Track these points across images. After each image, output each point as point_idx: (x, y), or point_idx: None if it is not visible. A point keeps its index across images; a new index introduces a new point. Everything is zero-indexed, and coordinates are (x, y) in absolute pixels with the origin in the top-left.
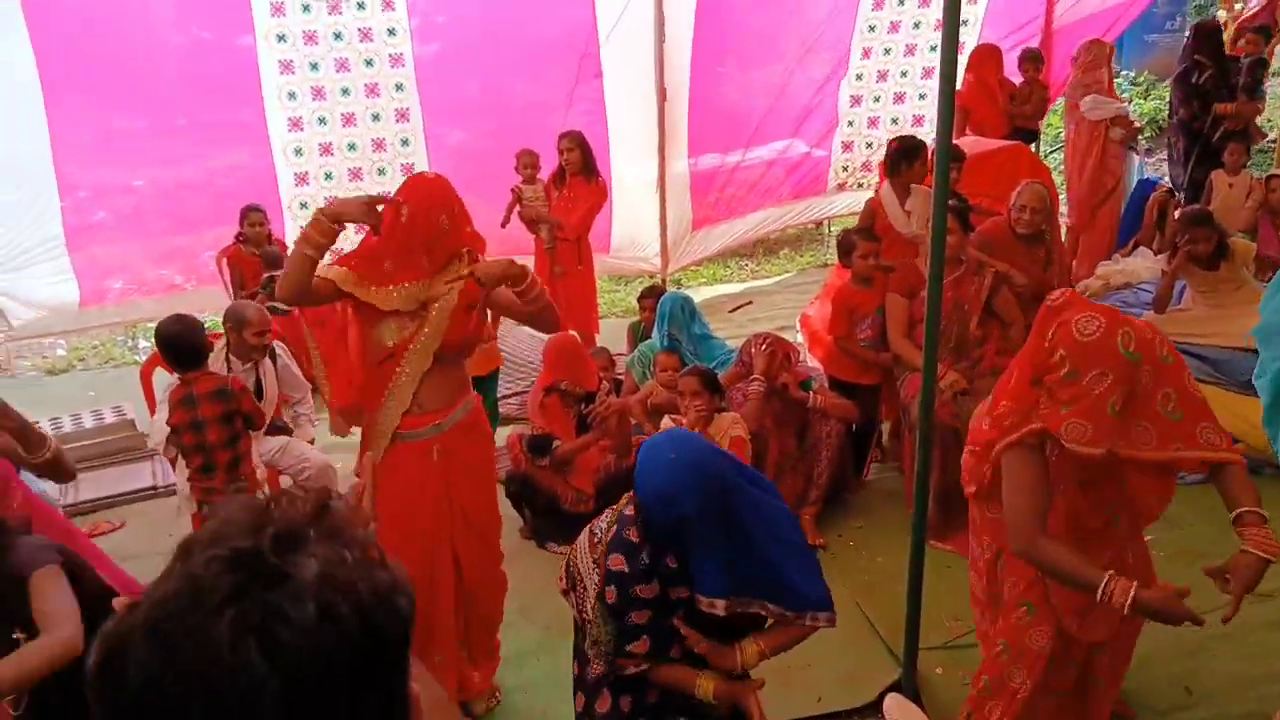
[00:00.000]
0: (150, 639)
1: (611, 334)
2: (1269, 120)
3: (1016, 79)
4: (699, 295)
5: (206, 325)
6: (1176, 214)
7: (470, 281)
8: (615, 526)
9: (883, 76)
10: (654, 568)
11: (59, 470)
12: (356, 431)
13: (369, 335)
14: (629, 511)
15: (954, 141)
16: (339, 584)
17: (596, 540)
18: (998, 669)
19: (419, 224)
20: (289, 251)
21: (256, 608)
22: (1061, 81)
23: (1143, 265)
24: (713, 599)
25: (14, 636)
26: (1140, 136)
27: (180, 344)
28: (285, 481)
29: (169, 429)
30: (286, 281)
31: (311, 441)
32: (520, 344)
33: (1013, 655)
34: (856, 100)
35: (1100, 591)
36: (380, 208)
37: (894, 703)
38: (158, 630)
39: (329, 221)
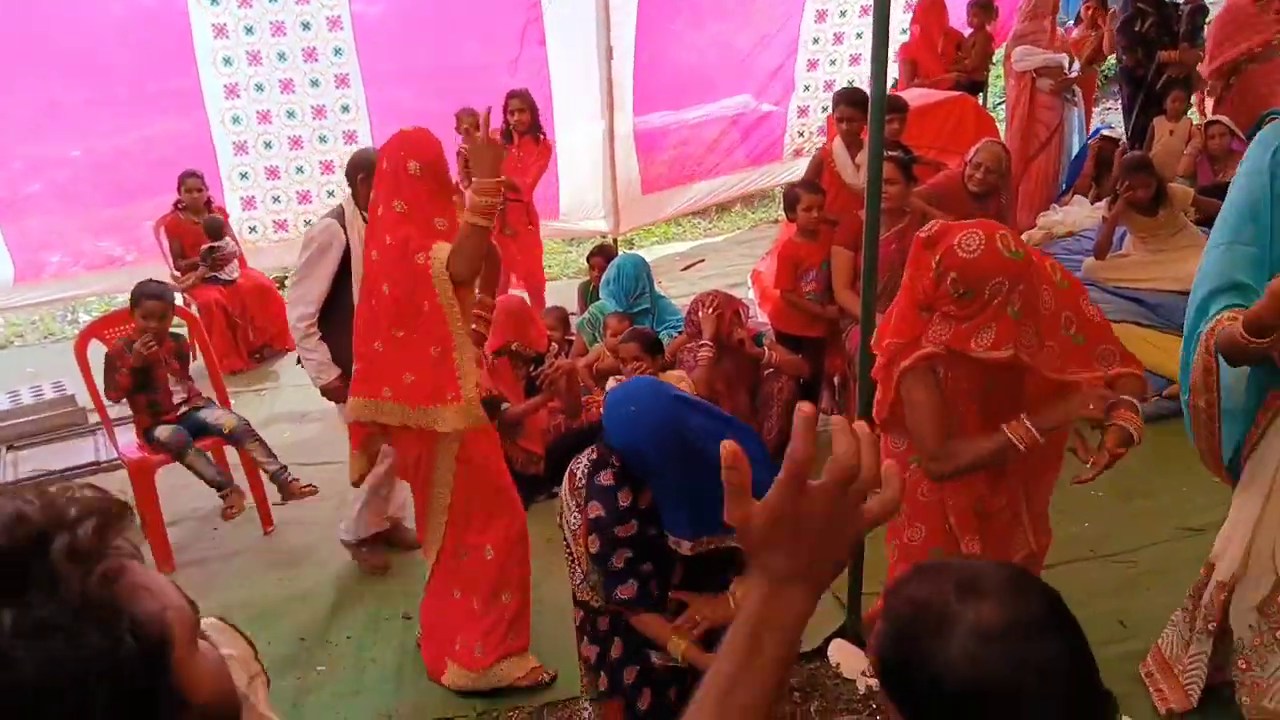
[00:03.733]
0: None
1: (563, 295)
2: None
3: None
4: (651, 254)
5: None
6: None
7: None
8: (589, 472)
9: (838, 39)
10: (631, 508)
11: None
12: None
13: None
14: (598, 456)
15: (898, 93)
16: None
17: (577, 484)
18: None
19: (437, 171)
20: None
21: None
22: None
23: (1082, 214)
24: (678, 539)
25: None
26: (1075, 86)
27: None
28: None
29: None
30: (473, 262)
31: None
32: None
33: None
34: (813, 65)
35: (1013, 442)
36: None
37: (838, 647)
38: None
39: (493, 184)
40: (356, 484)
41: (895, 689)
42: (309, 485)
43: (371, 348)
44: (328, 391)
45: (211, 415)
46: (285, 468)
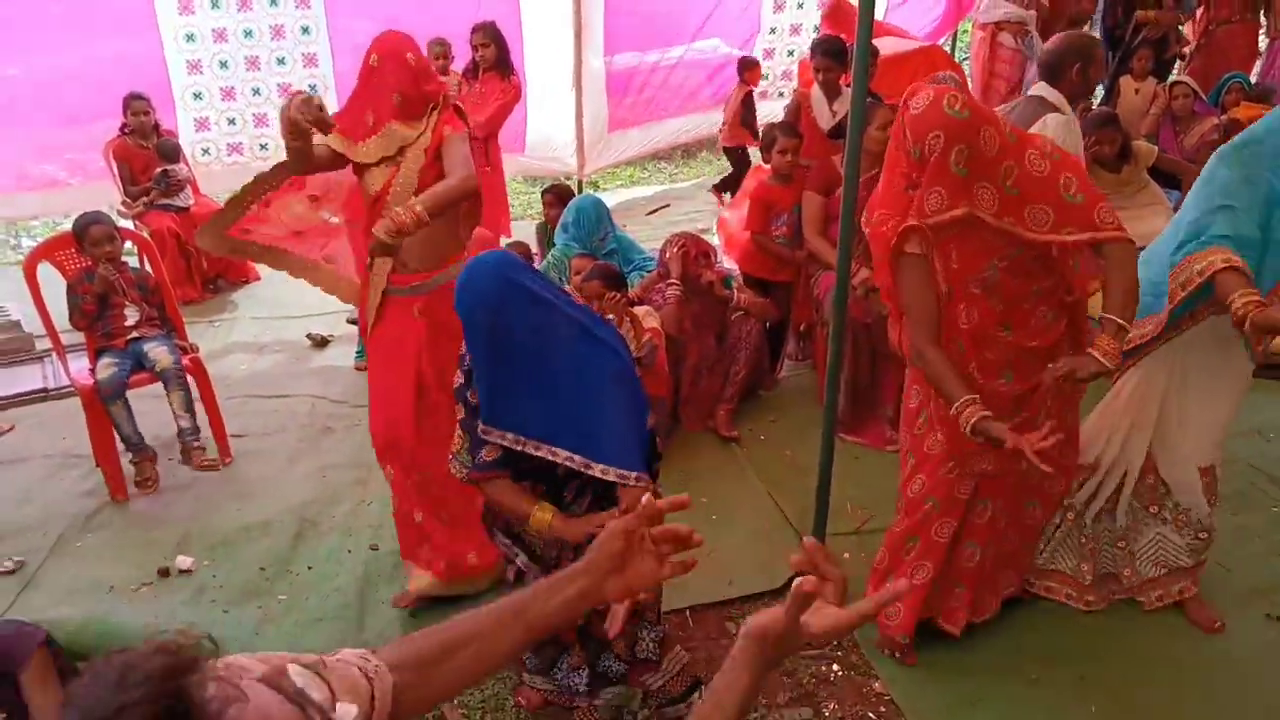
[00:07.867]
0: None
1: (524, 236)
2: (1182, 30)
3: None
4: (616, 197)
5: None
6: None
7: (439, 130)
8: None
9: None
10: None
11: None
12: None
13: (361, 187)
14: None
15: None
16: None
17: None
18: (919, 520)
19: (389, 67)
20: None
21: None
22: None
23: None
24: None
25: None
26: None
27: None
28: None
29: None
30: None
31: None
32: None
33: (942, 508)
34: (780, 6)
35: (954, 407)
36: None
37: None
38: None
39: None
40: None
41: None
42: (212, 460)
43: None
44: None
45: (153, 349)
46: (196, 430)
